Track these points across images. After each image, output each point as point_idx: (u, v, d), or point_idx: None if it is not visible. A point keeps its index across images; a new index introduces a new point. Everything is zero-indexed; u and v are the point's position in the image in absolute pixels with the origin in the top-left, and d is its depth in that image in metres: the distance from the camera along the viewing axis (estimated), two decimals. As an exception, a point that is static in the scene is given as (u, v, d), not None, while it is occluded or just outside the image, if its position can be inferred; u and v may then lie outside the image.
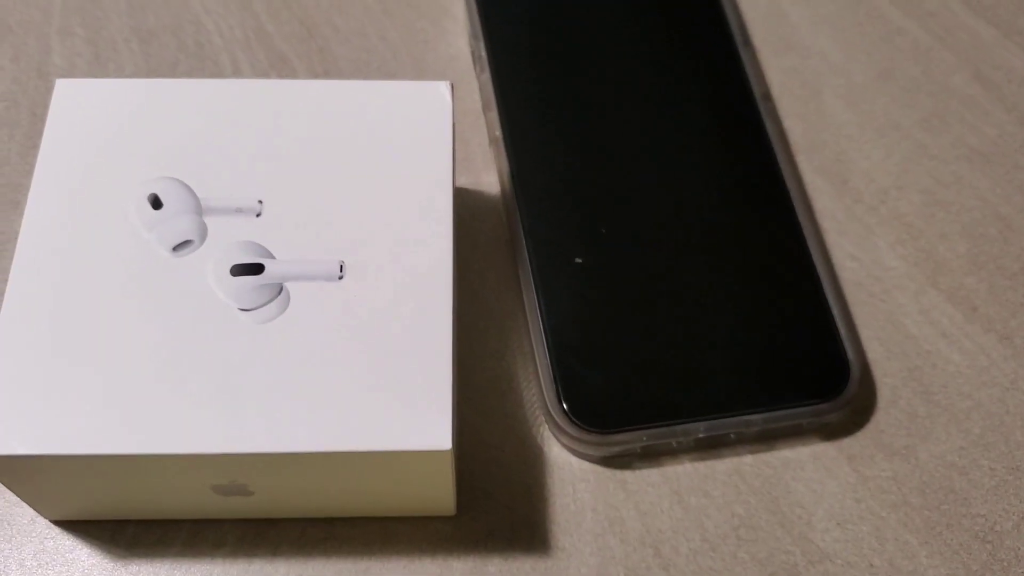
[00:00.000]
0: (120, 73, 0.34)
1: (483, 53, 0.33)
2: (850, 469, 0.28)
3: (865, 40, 0.36)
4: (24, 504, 0.26)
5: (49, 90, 0.33)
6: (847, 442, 0.28)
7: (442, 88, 0.28)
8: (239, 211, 0.25)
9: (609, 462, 0.28)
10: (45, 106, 0.33)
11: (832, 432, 0.28)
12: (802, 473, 0.28)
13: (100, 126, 0.27)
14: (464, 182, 0.32)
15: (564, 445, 0.28)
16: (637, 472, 0.28)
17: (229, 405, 0.23)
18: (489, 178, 0.32)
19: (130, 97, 0.27)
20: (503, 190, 0.31)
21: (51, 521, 0.27)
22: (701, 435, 0.27)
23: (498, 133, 0.32)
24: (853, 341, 0.29)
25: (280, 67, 0.34)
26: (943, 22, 0.36)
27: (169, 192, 0.25)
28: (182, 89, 0.27)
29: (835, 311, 0.29)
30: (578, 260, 0.29)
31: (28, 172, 0.31)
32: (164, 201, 0.25)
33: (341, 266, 0.25)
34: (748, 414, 0.27)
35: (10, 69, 0.34)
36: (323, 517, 0.27)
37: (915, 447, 0.28)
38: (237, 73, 0.34)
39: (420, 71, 0.34)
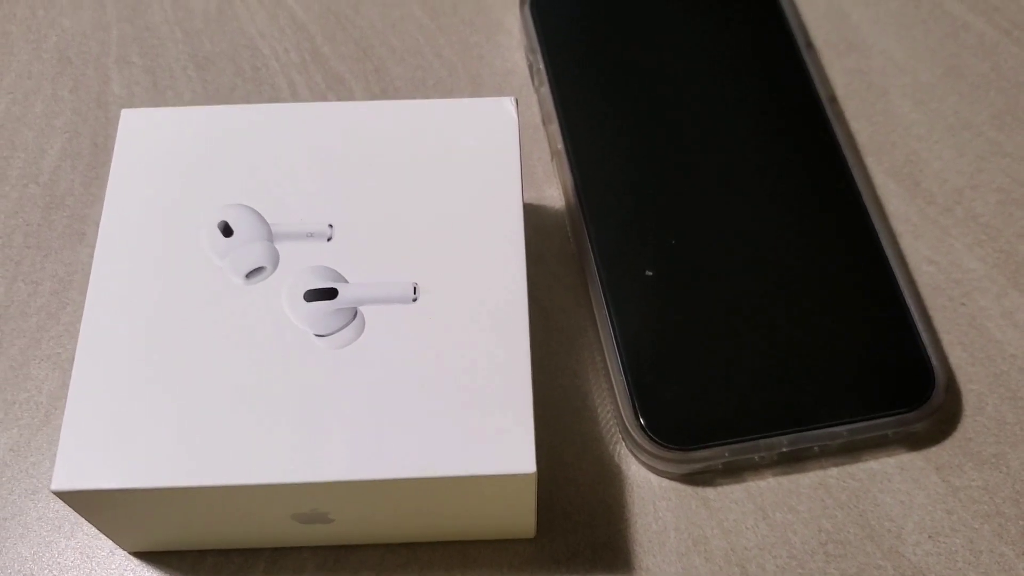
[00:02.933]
0: (179, 100, 0.34)
1: (541, 66, 0.33)
2: (939, 479, 0.27)
3: (929, 37, 0.35)
4: (103, 536, 0.26)
5: (109, 120, 0.33)
6: (934, 451, 0.28)
7: (507, 104, 0.27)
8: (310, 236, 0.25)
9: (690, 479, 0.27)
10: (106, 136, 0.33)
11: (918, 442, 0.28)
12: (889, 485, 0.27)
13: (167, 155, 0.26)
14: (527, 198, 0.32)
15: (643, 463, 0.27)
16: (719, 489, 0.27)
17: (309, 433, 0.23)
18: (552, 192, 0.32)
19: (195, 125, 0.27)
20: (568, 204, 0.31)
21: (130, 553, 0.26)
22: (784, 449, 0.26)
23: (560, 146, 0.31)
24: (936, 347, 0.28)
25: (337, 88, 0.34)
26: (1010, 16, 0.35)
27: (239, 219, 0.25)
28: (247, 115, 0.27)
29: (915, 317, 0.28)
30: (649, 272, 0.29)
31: (92, 203, 0.32)
32: (235, 228, 0.25)
33: (415, 288, 0.24)
34: (832, 426, 0.27)
35: (70, 100, 0.34)
36: (403, 542, 0.26)
37: (1006, 455, 0.27)
38: (294, 95, 0.34)
39: (476, 87, 0.34)
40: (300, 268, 0.25)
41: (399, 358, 0.24)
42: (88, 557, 0.26)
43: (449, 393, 0.23)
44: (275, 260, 0.25)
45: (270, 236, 0.25)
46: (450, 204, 0.26)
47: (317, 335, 0.24)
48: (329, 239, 0.25)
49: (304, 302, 0.24)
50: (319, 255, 0.25)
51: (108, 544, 0.26)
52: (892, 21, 0.35)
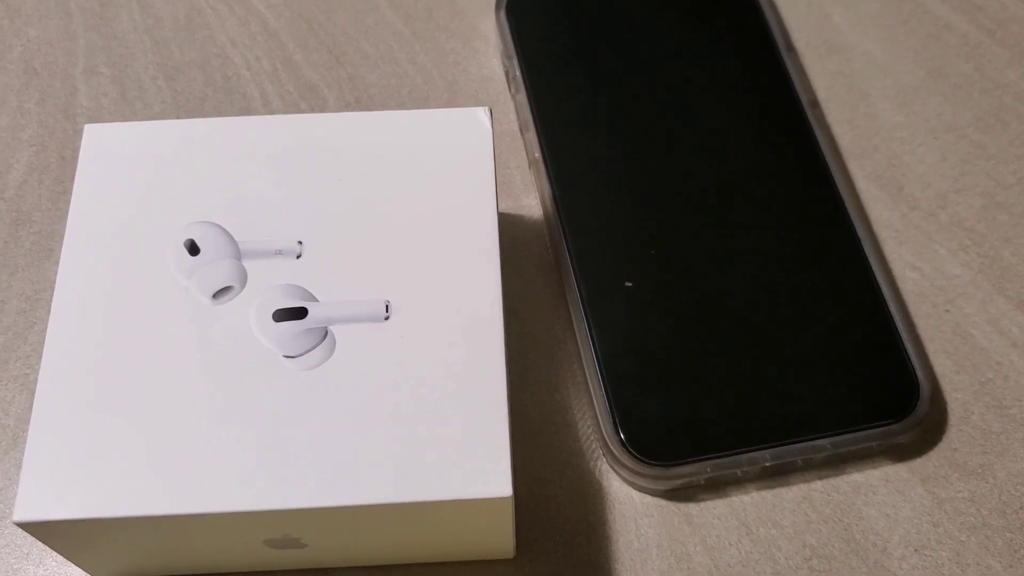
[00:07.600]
0: (148, 111, 0.33)
1: (517, 73, 0.32)
2: (924, 491, 0.27)
3: (912, 38, 0.34)
4: (72, 564, 0.26)
5: (77, 132, 0.32)
6: (919, 463, 0.27)
7: (480, 114, 0.27)
8: (279, 253, 0.25)
9: (672, 495, 0.27)
10: (74, 149, 0.32)
11: (903, 453, 0.27)
12: (874, 498, 0.27)
13: (132, 171, 0.26)
14: (505, 207, 0.31)
15: (624, 479, 0.27)
16: (702, 504, 0.27)
17: (279, 458, 0.22)
18: (530, 201, 0.31)
19: (161, 139, 0.26)
20: (546, 213, 0.30)
21: (100, 579, 0.26)
22: (767, 463, 0.26)
23: (537, 155, 0.31)
24: (920, 356, 0.28)
25: (310, 97, 0.33)
26: (992, 15, 0.35)
27: (206, 237, 0.25)
28: (214, 128, 0.26)
29: (899, 325, 0.28)
30: (628, 284, 0.28)
31: (59, 218, 0.31)
32: (201, 246, 0.25)
33: (387, 306, 0.24)
34: (815, 439, 0.26)
35: (36, 112, 0.33)
36: (380, 564, 0.26)
37: (992, 465, 0.27)
38: (266, 105, 0.33)
39: (452, 94, 0.33)
40: (269, 287, 0.24)
41: (370, 379, 0.23)
42: (57, 584, 0.26)
43: (422, 415, 0.23)
44: (243, 279, 0.24)
45: (238, 254, 0.25)
46: (423, 218, 0.25)
47: (286, 356, 0.23)
48: (299, 256, 0.25)
49: (273, 322, 0.24)
50: (288, 273, 0.24)
51: (77, 572, 0.26)
52: (874, 22, 0.34)
